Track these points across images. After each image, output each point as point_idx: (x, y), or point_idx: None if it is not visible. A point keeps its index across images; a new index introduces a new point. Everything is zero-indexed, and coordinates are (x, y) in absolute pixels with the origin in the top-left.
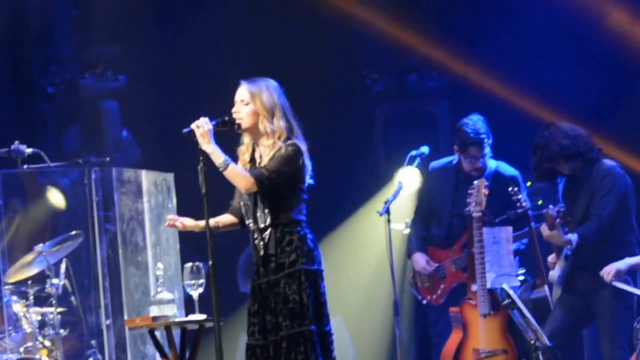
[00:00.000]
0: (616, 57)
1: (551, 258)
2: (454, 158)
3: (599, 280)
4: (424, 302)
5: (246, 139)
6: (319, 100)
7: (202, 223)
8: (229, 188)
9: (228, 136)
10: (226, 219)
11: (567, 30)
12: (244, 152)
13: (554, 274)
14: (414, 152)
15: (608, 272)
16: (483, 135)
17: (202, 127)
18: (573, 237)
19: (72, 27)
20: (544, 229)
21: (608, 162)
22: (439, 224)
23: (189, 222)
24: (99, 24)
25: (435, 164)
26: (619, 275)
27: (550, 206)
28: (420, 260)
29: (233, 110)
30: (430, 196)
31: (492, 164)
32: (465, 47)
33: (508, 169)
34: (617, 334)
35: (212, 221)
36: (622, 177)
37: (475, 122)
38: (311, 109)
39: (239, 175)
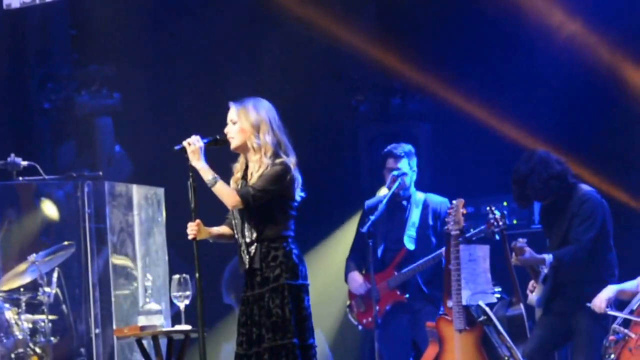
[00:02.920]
0: (596, 85)
1: (530, 285)
2: (387, 193)
3: (577, 301)
4: (360, 327)
5: (241, 158)
6: (306, 119)
7: (211, 230)
8: (217, 203)
9: (221, 153)
10: (222, 230)
11: (549, 58)
12: (238, 169)
13: (533, 297)
14: (395, 173)
15: (599, 305)
16: (400, 151)
17: (194, 145)
18: (547, 256)
19: (69, 46)
20: (514, 258)
21: (585, 187)
22: (374, 251)
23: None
24: (96, 43)
25: (369, 201)
26: (610, 305)
27: (519, 239)
28: (357, 278)
29: (225, 130)
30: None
31: (420, 195)
32: (448, 72)
33: (436, 197)
34: (591, 353)
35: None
36: (599, 202)
37: (397, 143)
38: (298, 127)
39: (226, 192)
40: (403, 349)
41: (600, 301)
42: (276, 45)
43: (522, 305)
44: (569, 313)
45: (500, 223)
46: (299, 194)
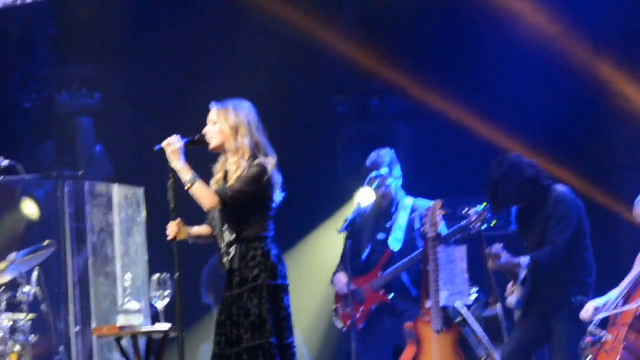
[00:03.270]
0: (574, 86)
1: (509, 288)
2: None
3: (555, 302)
4: (344, 329)
5: (222, 158)
6: (285, 120)
7: (191, 230)
8: (196, 204)
9: (201, 154)
10: (202, 230)
11: (528, 60)
12: (218, 170)
13: (512, 300)
14: (374, 174)
15: (586, 310)
16: (380, 163)
17: (173, 145)
18: (524, 259)
19: (50, 45)
20: (491, 263)
21: (560, 187)
22: (359, 254)
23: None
24: (77, 43)
25: (356, 209)
26: (597, 312)
27: (496, 244)
28: (342, 278)
29: (204, 130)
30: (355, 239)
31: (409, 200)
32: (426, 73)
33: (425, 202)
34: (569, 353)
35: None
36: (574, 203)
37: (378, 154)
38: (276, 128)
39: (204, 193)
40: (382, 353)
41: (589, 308)
42: (256, 46)
43: (499, 306)
44: (547, 314)
45: (482, 218)
46: (278, 195)
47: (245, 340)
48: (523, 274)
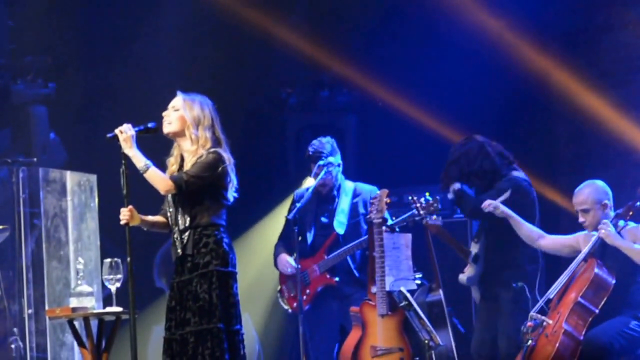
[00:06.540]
0: (516, 80)
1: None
2: (314, 182)
3: (503, 283)
4: (290, 311)
5: (175, 151)
6: (237, 110)
7: (145, 218)
8: (150, 191)
9: (156, 145)
10: (157, 219)
11: (474, 55)
12: (172, 163)
13: (463, 277)
14: (321, 162)
15: (488, 204)
16: (320, 154)
17: (126, 133)
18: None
19: (6, 36)
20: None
21: (517, 174)
22: (303, 238)
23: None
24: (32, 34)
25: (299, 190)
26: (496, 209)
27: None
28: (286, 259)
29: (164, 114)
30: (299, 224)
31: (349, 184)
32: (374, 66)
33: (366, 186)
34: (514, 334)
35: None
36: (529, 190)
37: (319, 142)
38: (228, 118)
39: (158, 177)
40: (329, 333)
41: (490, 202)
42: (208, 38)
43: (441, 291)
44: (496, 295)
45: (431, 208)
46: (232, 194)
47: (193, 324)
48: (474, 251)
